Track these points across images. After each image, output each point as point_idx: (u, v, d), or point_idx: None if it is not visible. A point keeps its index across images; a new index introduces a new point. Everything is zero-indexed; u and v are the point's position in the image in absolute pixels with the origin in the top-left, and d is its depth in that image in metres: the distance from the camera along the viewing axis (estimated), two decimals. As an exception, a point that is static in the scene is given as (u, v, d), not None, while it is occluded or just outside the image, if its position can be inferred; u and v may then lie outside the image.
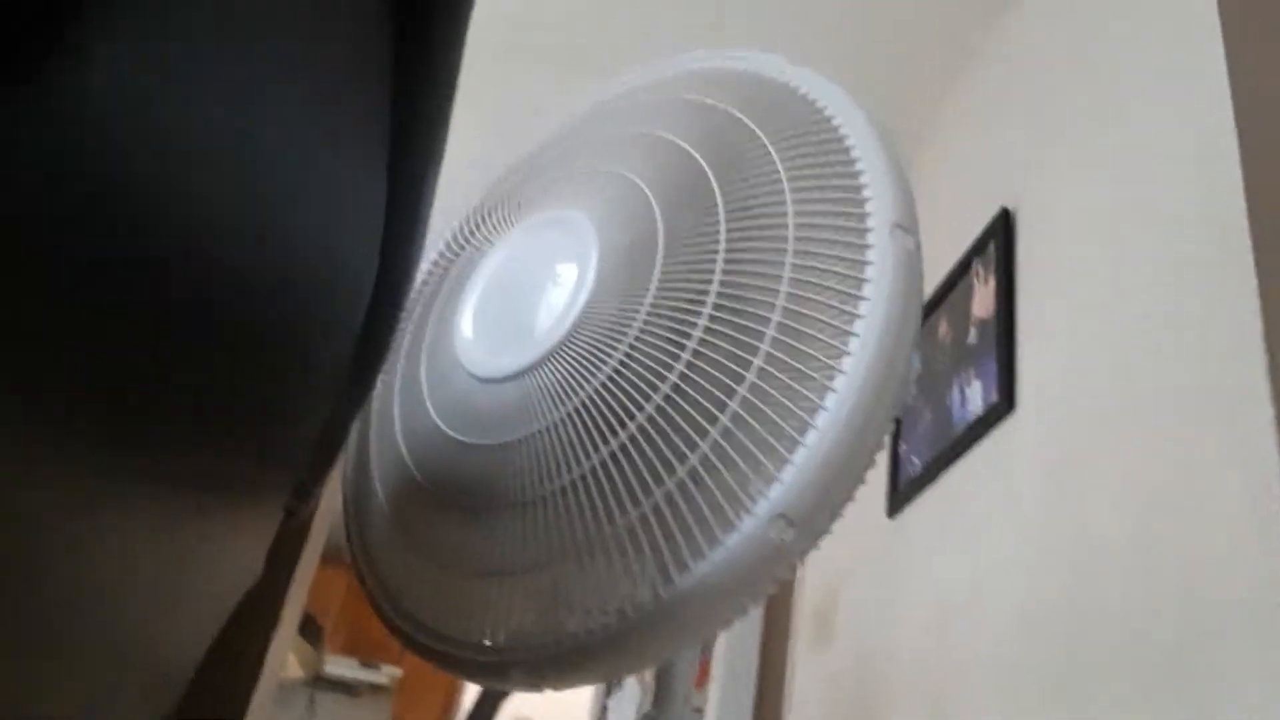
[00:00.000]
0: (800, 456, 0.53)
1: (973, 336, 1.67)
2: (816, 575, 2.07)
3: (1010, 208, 1.69)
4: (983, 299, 1.68)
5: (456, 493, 0.65)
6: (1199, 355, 1.09)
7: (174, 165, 0.23)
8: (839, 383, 0.54)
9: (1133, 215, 1.31)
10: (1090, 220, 1.42)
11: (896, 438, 1.87)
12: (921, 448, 1.74)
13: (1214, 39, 1.21)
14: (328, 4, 0.30)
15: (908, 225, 0.58)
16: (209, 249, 0.30)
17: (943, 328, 1.81)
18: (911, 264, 0.57)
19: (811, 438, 0.53)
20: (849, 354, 0.55)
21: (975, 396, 1.59)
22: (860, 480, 0.55)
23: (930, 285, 1.88)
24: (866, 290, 0.56)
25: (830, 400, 0.53)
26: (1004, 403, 1.48)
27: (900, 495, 1.78)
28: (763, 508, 0.52)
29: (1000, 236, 1.66)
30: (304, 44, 0.29)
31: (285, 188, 0.34)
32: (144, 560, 0.40)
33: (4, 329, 0.22)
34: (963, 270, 1.78)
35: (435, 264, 0.82)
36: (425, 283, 0.81)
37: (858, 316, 0.55)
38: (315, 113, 0.33)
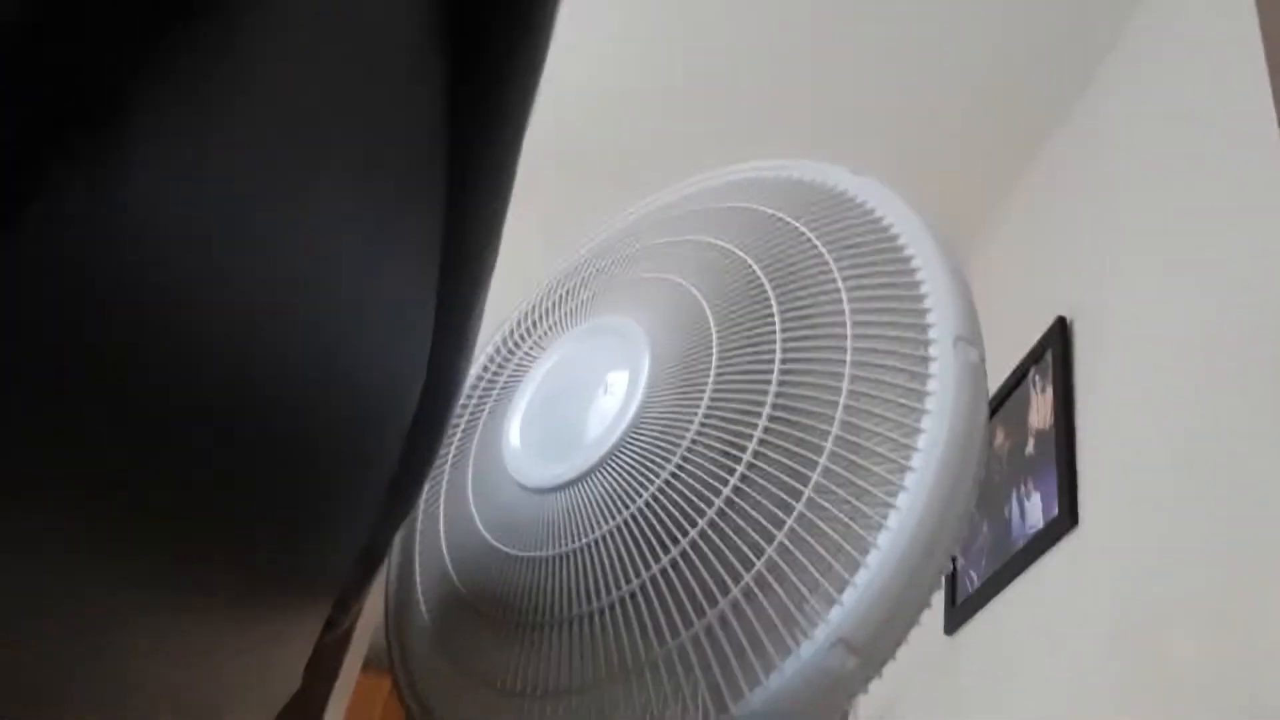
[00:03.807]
0: (861, 578, 0.50)
1: (1031, 447, 1.63)
2: (870, 693, 1.98)
3: (1067, 316, 1.66)
4: (1040, 409, 1.64)
5: (500, 606, 0.63)
6: (1269, 467, 1.05)
7: (216, 278, 0.22)
8: (901, 500, 0.51)
9: (1192, 323, 1.28)
10: (1149, 328, 1.39)
11: (952, 551, 1.81)
12: (980, 562, 1.69)
13: (1274, 148, 1.19)
14: (384, 116, 0.30)
15: (971, 337, 0.57)
16: (254, 370, 0.29)
17: (999, 437, 1.76)
18: (976, 377, 0.55)
19: (873, 558, 0.50)
20: (912, 469, 0.52)
21: (1035, 510, 1.54)
22: (925, 604, 0.52)
23: (985, 394, 1.84)
24: (929, 404, 0.54)
25: (893, 519, 0.51)
26: (1066, 517, 1.43)
27: (958, 612, 1.72)
28: (822, 633, 0.49)
29: (1057, 345, 1.63)
30: (360, 155, 0.29)
31: (334, 304, 0.33)
32: (183, 674, 0.39)
33: (60, 457, 0.21)
34: (1019, 379, 1.75)
35: (484, 370, 0.82)
36: (473, 389, 0.80)
37: (920, 431, 0.53)
38: (368, 227, 0.32)
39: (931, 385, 0.55)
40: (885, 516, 0.51)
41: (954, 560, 1.80)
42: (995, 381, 1.83)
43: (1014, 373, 1.77)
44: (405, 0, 0.31)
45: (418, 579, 0.71)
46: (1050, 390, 1.61)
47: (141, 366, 0.23)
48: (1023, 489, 1.61)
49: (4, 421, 0.18)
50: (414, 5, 0.32)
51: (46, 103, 0.14)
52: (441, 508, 0.72)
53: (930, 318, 0.58)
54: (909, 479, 0.52)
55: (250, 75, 0.19)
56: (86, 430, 0.22)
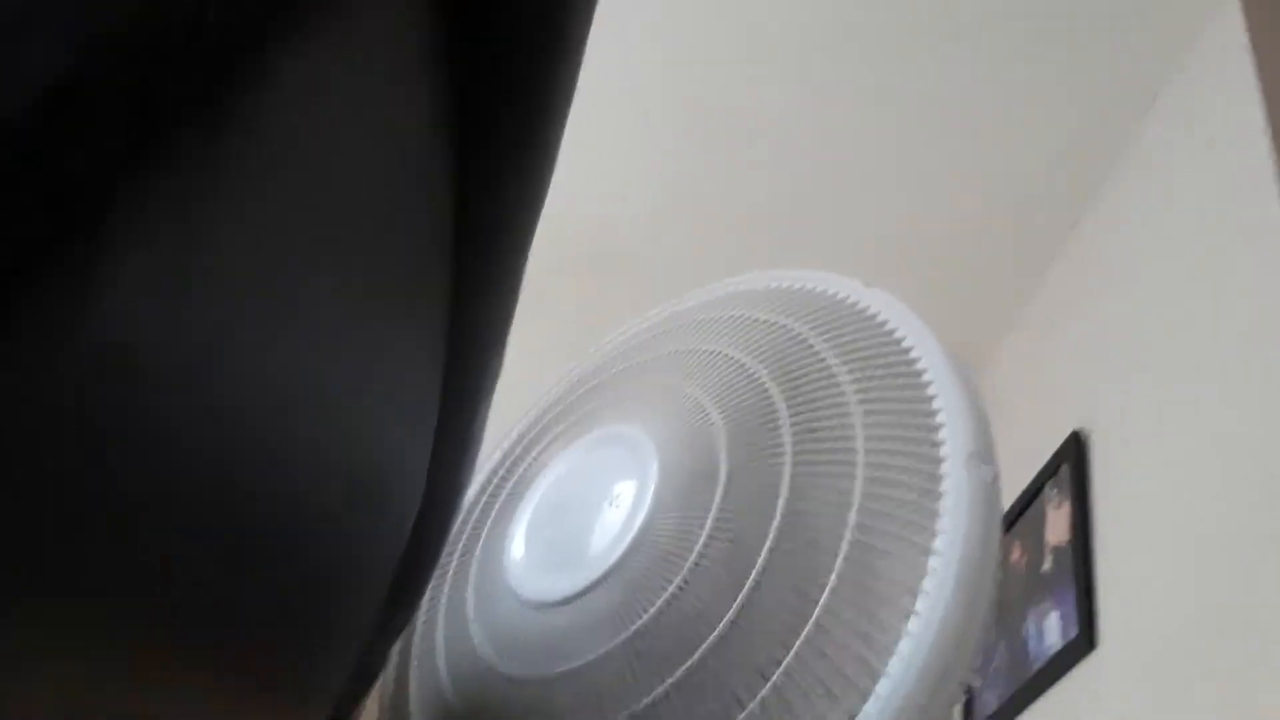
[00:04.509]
0: (873, 708, 0.48)
1: (1048, 564, 1.60)
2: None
3: (1082, 430, 1.65)
4: (1056, 525, 1.61)
5: (497, 728, 0.60)
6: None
7: (201, 392, 0.21)
8: (913, 625, 0.50)
9: (1211, 434, 1.26)
10: (1167, 441, 1.37)
11: (968, 670, 1.76)
12: (996, 683, 1.64)
13: (1288, 267, 1.19)
14: (386, 222, 0.30)
15: (985, 455, 0.55)
16: (244, 482, 0.28)
17: (1015, 553, 1.73)
18: (989, 496, 0.54)
19: (884, 686, 0.48)
20: (924, 593, 0.51)
21: (1052, 630, 1.50)
22: (938, 735, 0.49)
23: (1000, 508, 1.81)
24: (941, 524, 0.53)
25: (904, 645, 0.49)
26: (1084, 639, 1.39)
27: (975, 735, 1.66)
28: (831, 764, 0.47)
29: (1073, 459, 1.61)
30: (359, 262, 0.28)
31: (331, 414, 0.32)
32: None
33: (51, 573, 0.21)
34: (1034, 494, 1.72)
35: (489, 478, 0.81)
36: (478, 498, 0.79)
37: (932, 552, 0.52)
38: (367, 335, 0.32)
39: (944, 504, 0.53)
40: (897, 641, 0.49)
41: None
42: (1010, 497, 1.80)
43: (1029, 488, 1.75)
44: (408, 101, 0.31)
45: (411, 695, 0.68)
46: (1067, 505, 1.59)
47: (122, 482, 0.22)
48: (1040, 608, 1.57)
49: None
50: (418, 105, 0.32)
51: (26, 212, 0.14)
52: (440, 621, 0.70)
53: (942, 434, 0.57)
54: (921, 602, 0.50)
55: (243, 184, 0.18)
56: (53, 548, 0.21)
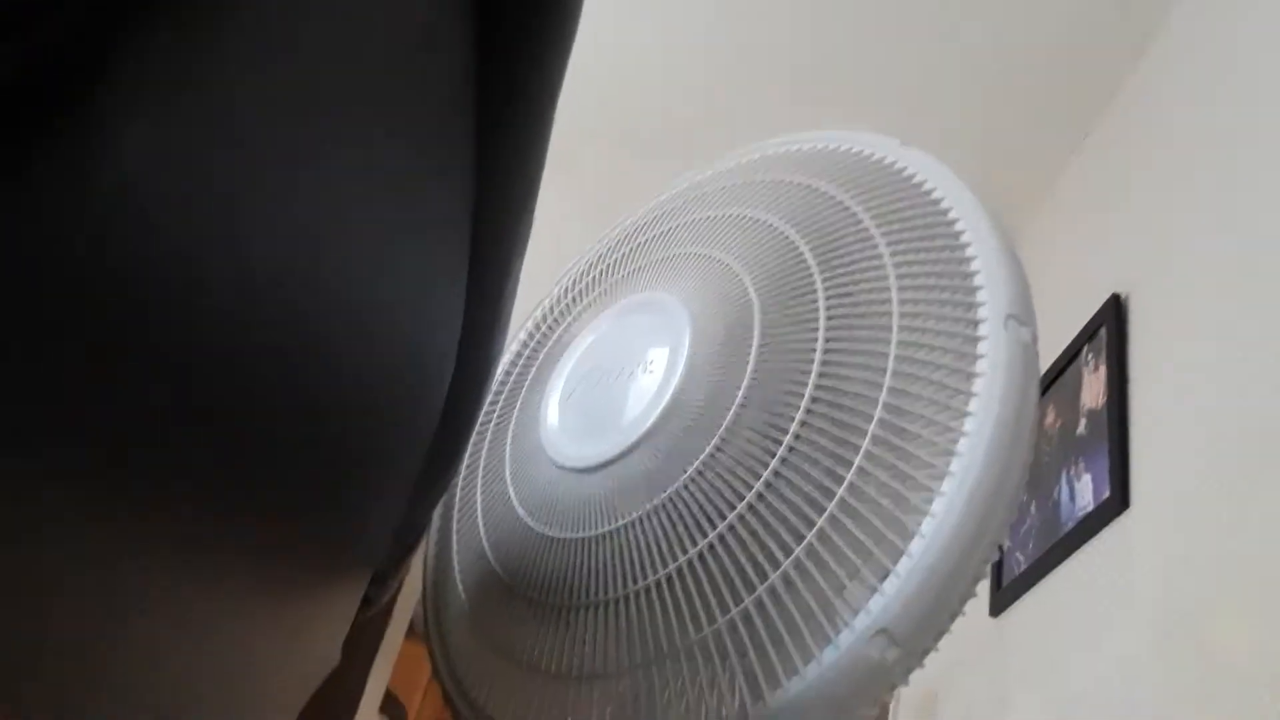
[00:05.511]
0: (904, 566, 0.48)
1: (1082, 427, 1.60)
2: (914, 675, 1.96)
3: (1121, 293, 1.62)
4: (1092, 388, 1.60)
5: (536, 588, 0.62)
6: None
7: (237, 256, 0.21)
8: (947, 485, 0.50)
9: (1256, 299, 1.24)
10: (1209, 305, 1.35)
11: (1000, 531, 1.78)
12: (1026, 544, 1.66)
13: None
14: (403, 86, 0.29)
15: (1023, 316, 0.54)
16: (286, 349, 0.28)
17: (1050, 416, 1.73)
18: (1027, 358, 0.53)
19: (917, 546, 0.49)
20: (959, 454, 0.50)
21: (1085, 491, 1.51)
22: (970, 594, 0.50)
23: (1036, 372, 1.80)
24: (977, 385, 0.52)
25: (938, 505, 0.49)
26: (1117, 499, 1.39)
27: (1004, 594, 1.69)
28: (862, 623, 0.48)
29: (1112, 322, 1.59)
30: (378, 128, 0.28)
31: (363, 282, 0.32)
32: (217, 653, 0.39)
33: (85, 436, 0.21)
34: (1071, 357, 1.71)
35: (523, 346, 0.81)
36: (512, 366, 0.79)
37: (968, 414, 0.51)
38: (395, 201, 0.31)
39: (980, 366, 0.53)
40: (930, 502, 0.50)
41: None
42: (1047, 360, 1.79)
43: (1066, 351, 1.73)
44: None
45: (455, 557, 0.70)
46: (1103, 369, 1.57)
47: (164, 343, 0.22)
48: (1073, 470, 1.58)
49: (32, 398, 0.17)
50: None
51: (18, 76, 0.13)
52: (479, 484, 0.71)
53: (980, 295, 0.56)
54: (955, 464, 0.50)
55: (252, 42, 0.18)
56: (112, 407, 0.21)
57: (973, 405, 0.51)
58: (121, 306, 0.19)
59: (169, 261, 0.19)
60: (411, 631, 1.04)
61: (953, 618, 0.49)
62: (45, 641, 0.23)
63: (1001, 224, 0.60)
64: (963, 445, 0.50)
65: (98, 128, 0.14)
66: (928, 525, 0.49)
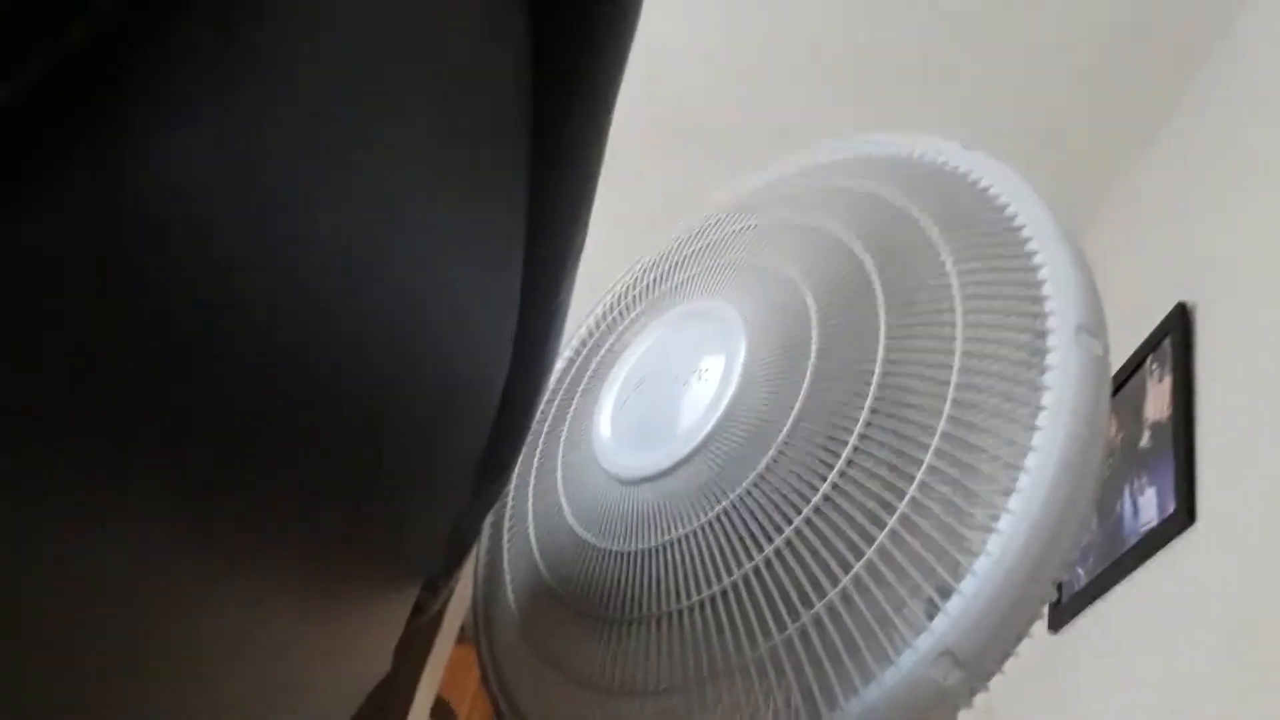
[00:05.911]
0: (969, 586, 0.47)
1: (1146, 440, 1.55)
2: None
3: (1188, 302, 1.57)
4: (1157, 399, 1.56)
5: (587, 600, 0.61)
6: None
7: (287, 257, 0.20)
8: (1015, 503, 0.48)
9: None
10: (1277, 317, 1.31)
11: (1059, 545, 1.74)
12: (1087, 558, 1.62)
13: None
14: (457, 77, 0.28)
15: (1094, 328, 0.52)
16: (337, 352, 0.27)
17: (1111, 429, 1.69)
18: (1099, 372, 0.51)
19: (982, 565, 0.47)
20: (1026, 470, 0.49)
21: (1149, 506, 1.47)
22: (1037, 615, 0.48)
23: (1097, 382, 1.76)
24: (1046, 399, 0.50)
25: (1005, 523, 0.47)
26: (1183, 514, 1.35)
27: (1064, 609, 1.65)
28: (925, 643, 0.46)
29: (1177, 332, 1.55)
30: (431, 121, 0.27)
31: (417, 281, 0.31)
32: (267, 658, 0.38)
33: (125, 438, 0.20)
34: (1135, 367, 1.67)
35: (576, 352, 0.80)
36: (566, 372, 0.78)
37: (1036, 428, 0.49)
38: (448, 203, 0.30)
39: (1049, 379, 0.51)
40: (996, 519, 0.48)
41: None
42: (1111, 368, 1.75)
43: (1129, 361, 1.69)
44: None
45: (505, 567, 0.70)
46: (1169, 380, 1.53)
47: (214, 345, 0.21)
48: (1136, 484, 1.53)
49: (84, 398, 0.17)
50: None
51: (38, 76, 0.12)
52: (531, 494, 0.70)
53: (1049, 305, 0.54)
54: (1024, 479, 0.48)
55: (297, 30, 0.17)
56: (161, 411, 0.20)
57: (1041, 419, 0.49)
58: (183, 320, 0.18)
59: (204, 265, 0.18)
60: (461, 636, 1.03)
61: (1019, 640, 0.47)
62: (107, 657, 0.23)
63: (1070, 230, 0.58)
64: (1031, 460, 0.49)
65: (136, 134, 0.13)
66: (994, 544, 0.47)
